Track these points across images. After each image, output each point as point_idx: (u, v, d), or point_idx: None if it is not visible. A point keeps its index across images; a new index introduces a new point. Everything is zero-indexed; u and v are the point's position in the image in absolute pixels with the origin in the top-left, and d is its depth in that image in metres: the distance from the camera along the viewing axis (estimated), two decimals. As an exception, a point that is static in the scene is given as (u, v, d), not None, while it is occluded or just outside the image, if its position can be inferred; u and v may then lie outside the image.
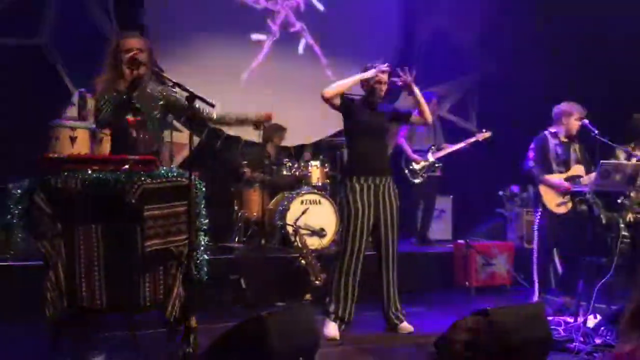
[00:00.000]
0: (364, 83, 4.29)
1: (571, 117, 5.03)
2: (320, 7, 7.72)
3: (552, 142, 5.08)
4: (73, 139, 5.14)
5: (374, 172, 4.21)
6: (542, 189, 5.06)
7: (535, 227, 5.10)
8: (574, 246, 4.94)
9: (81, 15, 6.36)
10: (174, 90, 3.55)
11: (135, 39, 3.58)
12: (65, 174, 3.07)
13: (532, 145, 5.15)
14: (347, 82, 4.21)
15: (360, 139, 4.26)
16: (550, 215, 5.01)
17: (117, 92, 3.51)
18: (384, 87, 4.26)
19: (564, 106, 5.10)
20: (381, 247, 4.26)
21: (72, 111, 5.85)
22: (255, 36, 7.38)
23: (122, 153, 3.34)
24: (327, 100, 4.19)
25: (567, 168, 5.08)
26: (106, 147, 4.49)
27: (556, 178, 5.03)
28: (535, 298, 4.96)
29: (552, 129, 5.13)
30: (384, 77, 4.26)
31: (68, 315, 3.11)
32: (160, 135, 3.68)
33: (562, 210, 4.99)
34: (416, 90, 4.30)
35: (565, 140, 5.12)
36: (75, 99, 5.89)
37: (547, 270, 5.29)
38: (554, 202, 5.00)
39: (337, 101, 4.21)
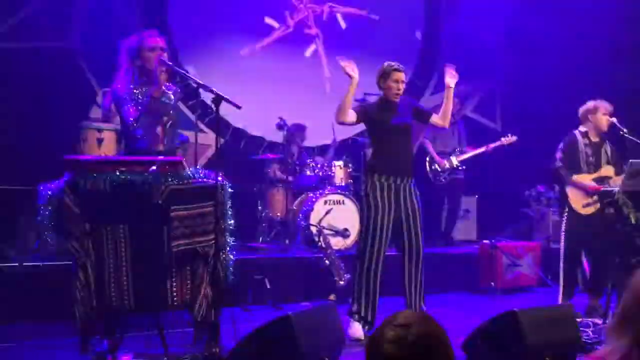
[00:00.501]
0: (380, 84, 4.26)
1: (598, 113, 4.92)
2: (343, 24, 7.72)
3: (581, 142, 4.96)
4: (100, 140, 5.22)
5: (395, 171, 4.19)
6: (569, 190, 4.95)
7: (563, 228, 4.98)
8: (602, 247, 4.85)
9: (107, 17, 6.44)
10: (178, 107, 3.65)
11: (158, 37, 3.63)
12: (94, 175, 3.11)
13: (560, 145, 5.03)
14: (346, 100, 4.14)
15: (383, 138, 4.24)
16: (577, 217, 4.91)
17: (144, 94, 3.56)
18: (402, 86, 4.22)
19: (589, 104, 5.00)
20: (405, 248, 4.23)
21: (97, 112, 5.96)
22: (268, 20, 7.38)
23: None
24: (344, 124, 4.24)
25: (596, 169, 4.97)
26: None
27: (584, 179, 4.94)
28: (560, 300, 4.87)
29: (582, 129, 5.02)
30: (402, 75, 4.23)
31: (97, 314, 3.15)
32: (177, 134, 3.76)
33: (589, 211, 4.88)
34: (452, 92, 4.28)
35: (596, 139, 4.99)
36: (99, 99, 5.99)
37: (575, 273, 5.19)
38: (580, 203, 4.90)
39: (353, 119, 4.20)
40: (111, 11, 6.50)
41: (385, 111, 4.24)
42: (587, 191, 4.87)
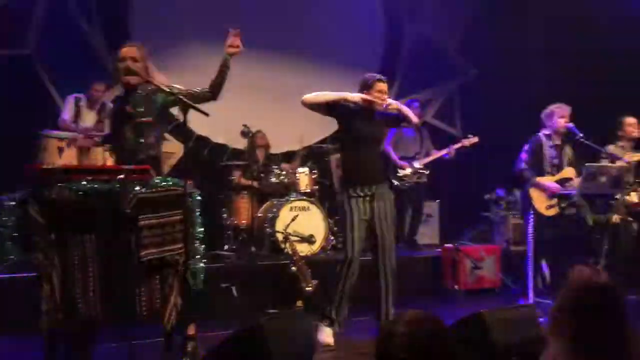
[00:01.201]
0: (363, 93, 4.29)
1: (554, 117, 5.10)
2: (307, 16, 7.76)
3: (546, 144, 5.13)
4: (61, 150, 5.11)
5: (371, 180, 4.25)
6: (533, 192, 5.10)
7: (529, 230, 5.12)
8: (561, 248, 5.02)
9: (66, 24, 6.33)
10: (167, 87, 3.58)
11: (129, 48, 3.60)
12: (59, 184, 3.06)
13: (525, 147, 5.19)
14: (330, 96, 4.20)
15: (358, 147, 4.28)
16: (541, 218, 5.07)
17: (114, 102, 3.53)
18: (385, 97, 4.28)
19: (548, 108, 5.18)
20: (379, 253, 4.29)
21: (63, 120, 5.84)
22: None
23: (122, 160, 3.35)
24: (308, 107, 4.22)
25: (559, 171, 5.14)
26: (94, 158, 4.48)
27: (547, 180, 5.08)
28: (531, 300, 5.01)
29: (545, 131, 5.19)
30: (385, 86, 4.28)
31: (64, 327, 3.09)
32: (160, 139, 3.69)
33: (551, 212, 5.04)
34: (400, 107, 4.34)
35: (558, 142, 5.17)
36: (69, 104, 5.86)
37: (535, 273, 5.35)
38: (543, 205, 5.06)
39: (322, 110, 4.23)
40: (69, 18, 6.40)
41: (365, 121, 4.28)
42: (549, 192, 5.03)
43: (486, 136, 6.84)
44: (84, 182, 3.06)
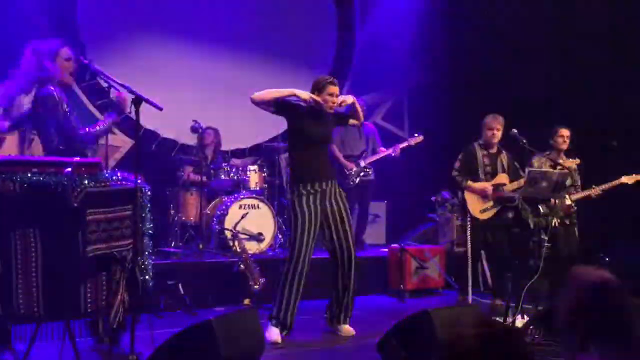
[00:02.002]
0: (315, 94, 4.31)
1: (484, 128, 5.32)
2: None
3: (480, 153, 5.34)
4: (1, 141, 4.92)
5: (320, 177, 4.26)
6: (467, 196, 5.32)
7: (468, 233, 5.29)
8: (500, 249, 5.22)
9: (14, 14, 6.09)
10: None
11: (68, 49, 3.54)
12: (3, 175, 2.95)
13: (460, 156, 5.41)
14: (279, 92, 4.19)
15: (306, 147, 4.28)
16: (476, 221, 5.26)
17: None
18: (336, 100, 4.30)
19: (484, 119, 5.37)
20: (336, 252, 4.31)
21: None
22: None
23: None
24: (257, 104, 4.22)
25: (493, 177, 5.33)
26: (37, 149, 4.34)
27: (479, 185, 5.28)
28: (470, 300, 5.16)
29: (481, 141, 5.40)
30: (336, 89, 4.31)
31: (3, 323, 2.98)
32: None
33: (485, 216, 5.25)
34: (355, 101, 4.41)
35: (493, 150, 5.38)
36: None
37: (475, 273, 5.52)
38: (477, 208, 5.27)
39: (271, 108, 4.23)
40: (18, 8, 6.16)
41: (314, 121, 4.29)
42: (484, 196, 5.21)
43: (434, 138, 6.99)
44: (29, 175, 2.96)
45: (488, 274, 6.02)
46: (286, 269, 4.19)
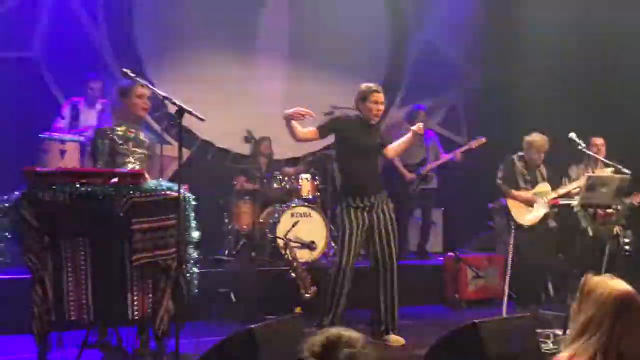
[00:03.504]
0: (359, 105, 4.30)
1: (531, 149, 5.28)
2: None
3: (518, 164, 5.33)
4: (62, 152, 5.15)
5: (367, 191, 4.25)
6: (510, 204, 5.29)
7: (510, 242, 5.20)
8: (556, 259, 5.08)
9: (71, 27, 6.38)
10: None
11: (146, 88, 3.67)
12: (54, 187, 3.07)
13: (500, 166, 5.44)
14: (291, 129, 4.29)
15: (353, 158, 4.28)
16: (522, 228, 5.19)
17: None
18: (381, 107, 4.27)
19: (528, 137, 5.34)
20: (379, 260, 4.28)
21: (61, 123, 5.87)
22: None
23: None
24: (304, 141, 4.42)
25: (533, 186, 5.31)
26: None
27: (523, 193, 5.27)
28: (504, 312, 4.99)
29: (520, 153, 5.38)
30: (381, 96, 4.28)
31: (55, 329, 3.09)
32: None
33: (528, 222, 5.19)
34: (414, 139, 4.46)
35: (532, 163, 5.36)
36: (67, 109, 5.91)
37: (530, 283, 5.32)
38: (522, 215, 5.22)
39: (314, 136, 4.33)
40: (75, 20, 6.45)
41: (362, 132, 4.28)
42: (527, 203, 5.18)
43: (491, 144, 6.79)
44: (78, 185, 3.07)
45: (550, 284, 5.78)
46: (332, 278, 4.19)
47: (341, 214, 4.29)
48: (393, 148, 4.48)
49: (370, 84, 4.34)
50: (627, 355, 1.85)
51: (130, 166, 3.57)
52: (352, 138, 4.25)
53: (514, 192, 5.26)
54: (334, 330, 1.48)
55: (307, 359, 1.42)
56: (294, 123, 4.24)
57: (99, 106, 5.86)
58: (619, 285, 1.97)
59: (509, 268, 5.15)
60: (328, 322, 4.15)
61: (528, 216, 5.19)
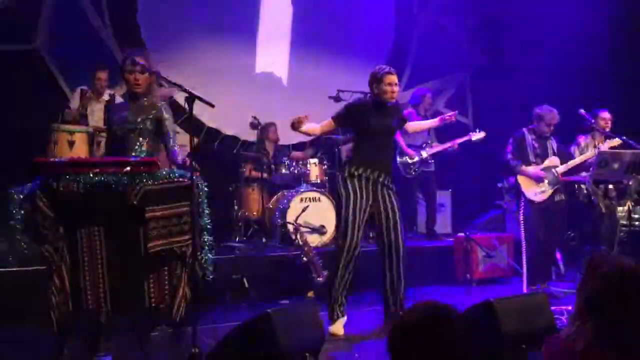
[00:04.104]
0: (374, 88, 4.28)
1: (542, 122, 5.26)
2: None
3: (529, 137, 5.30)
4: (71, 143, 5.15)
5: (372, 165, 4.22)
6: (520, 180, 5.26)
7: (521, 217, 5.22)
8: (565, 234, 5.07)
9: (75, 19, 6.36)
10: (169, 109, 3.69)
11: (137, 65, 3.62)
12: (67, 177, 3.08)
13: (510, 140, 5.40)
14: (305, 133, 4.38)
15: (367, 139, 4.27)
16: (532, 204, 5.18)
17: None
18: (396, 89, 4.26)
19: (538, 109, 5.32)
20: (385, 245, 4.25)
21: (69, 115, 5.87)
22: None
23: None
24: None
25: (543, 160, 5.27)
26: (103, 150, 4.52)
27: (532, 168, 5.23)
28: (524, 289, 5.00)
29: (531, 126, 5.34)
30: (394, 78, 4.26)
31: (74, 318, 3.12)
32: (157, 144, 3.70)
33: (541, 198, 5.17)
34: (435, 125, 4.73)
35: (542, 136, 5.32)
36: (76, 96, 5.89)
37: (541, 259, 5.32)
38: (532, 191, 5.20)
39: (330, 128, 4.35)
40: (79, 12, 6.43)
41: (377, 113, 4.27)
42: (536, 179, 5.17)
43: (498, 124, 6.77)
44: (91, 175, 3.08)
45: (561, 261, 5.79)
46: (337, 260, 4.15)
47: (344, 183, 4.20)
48: (413, 125, 4.71)
49: (383, 66, 4.32)
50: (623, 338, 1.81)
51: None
52: (366, 121, 4.24)
53: (524, 168, 5.25)
54: (435, 303, 1.42)
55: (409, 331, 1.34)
56: (304, 127, 4.24)
57: (106, 96, 5.85)
58: (626, 262, 1.95)
59: (523, 246, 5.15)
60: (337, 305, 4.15)
61: (538, 192, 5.19)
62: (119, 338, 3.48)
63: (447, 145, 6.66)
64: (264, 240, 5.99)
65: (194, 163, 3.22)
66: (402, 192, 5.68)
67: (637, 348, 1.76)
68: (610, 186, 4.40)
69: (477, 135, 6.55)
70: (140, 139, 3.57)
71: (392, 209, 4.24)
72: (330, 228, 5.98)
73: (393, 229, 4.22)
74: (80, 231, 3.12)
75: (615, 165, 4.25)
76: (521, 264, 5.95)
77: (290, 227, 5.72)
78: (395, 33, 8.11)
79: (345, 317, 4.18)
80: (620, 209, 4.80)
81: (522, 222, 5.20)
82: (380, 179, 4.24)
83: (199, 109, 3.44)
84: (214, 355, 3.06)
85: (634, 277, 1.88)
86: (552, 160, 5.26)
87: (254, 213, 6.24)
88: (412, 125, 4.80)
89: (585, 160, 5.12)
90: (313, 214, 5.89)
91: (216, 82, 6.75)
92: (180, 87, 3.28)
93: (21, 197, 3.05)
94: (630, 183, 4.44)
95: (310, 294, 5.16)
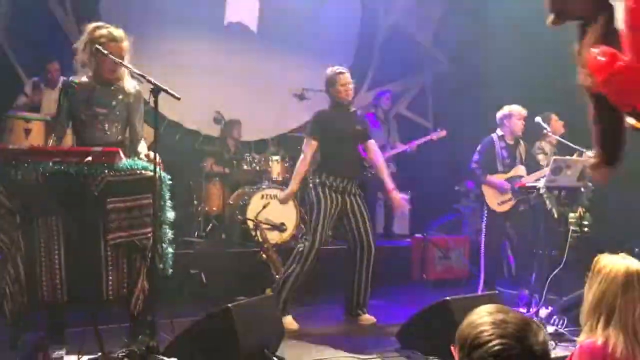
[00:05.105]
0: (330, 91, 4.34)
1: (512, 118, 5.33)
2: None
3: (498, 145, 5.32)
4: (27, 131, 5.04)
5: (342, 173, 4.31)
6: (485, 189, 5.29)
7: (483, 224, 5.29)
8: (524, 240, 5.17)
9: (35, 5, 6.19)
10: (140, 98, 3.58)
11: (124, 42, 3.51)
12: (26, 165, 3.01)
13: (478, 148, 5.39)
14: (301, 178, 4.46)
15: (334, 146, 4.34)
16: (494, 213, 5.25)
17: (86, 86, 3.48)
18: (350, 87, 4.32)
19: (504, 109, 5.37)
20: (356, 247, 4.33)
21: (24, 101, 5.73)
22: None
23: (86, 144, 3.32)
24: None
25: (512, 169, 5.32)
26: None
27: (497, 178, 5.27)
28: (480, 290, 5.13)
29: (499, 132, 5.38)
30: (347, 77, 4.32)
31: (28, 309, 3.05)
32: (124, 132, 3.62)
33: (504, 208, 5.24)
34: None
35: (511, 142, 5.37)
36: (28, 87, 5.76)
37: (497, 264, 5.47)
38: (495, 201, 5.26)
39: (315, 148, 4.38)
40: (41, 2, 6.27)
41: (341, 119, 4.33)
42: (501, 190, 5.20)
43: (458, 128, 6.91)
44: (51, 164, 3.01)
45: (513, 264, 5.95)
46: (300, 252, 4.21)
47: (315, 190, 4.32)
48: (374, 159, 4.58)
49: (335, 67, 4.40)
50: None
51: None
52: (334, 128, 4.32)
53: (489, 178, 5.25)
54: (514, 313, 1.39)
55: (495, 343, 1.32)
56: (296, 178, 4.42)
57: (59, 85, 5.74)
58: (630, 263, 2.04)
59: (482, 251, 5.24)
60: (287, 297, 4.20)
61: (501, 202, 5.23)
62: (75, 330, 3.42)
63: (405, 146, 6.79)
64: (223, 236, 5.96)
65: (157, 155, 3.19)
66: (364, 194, 5.72)
67: None
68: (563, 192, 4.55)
69: (438, 134, 6.70)
70: (107, 125, 3.47)
71: (361, 212, 4.36)
72: (291, 225, 6.00)
73: (364, 231, 4.34)
74: (37, 221, 3.05)
75: (569, 172, 4.40)
76: (477, 266, 6.12)
77: (251, 224, 5.71)
78: (360, 33, 8.18)
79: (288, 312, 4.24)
80: (571, 215, 4.97)
81: (483, 230, 5.25)
82: (348, 187, 4.34)
83: (160, 101, 3.38)
84: (171, 348, 3.04)
85: (637, 276, 2.00)
86: (519, 169, 5.28)
87: (214, 208, 6.21)
88: (371, 153, 4.62)
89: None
90: (274, 211, 5.90)
91: (179, 74, 6.67)
92: (145, 78, 3.24)
93: (-24, 184, 2.96)
94: (583, 190, 4.61)
95: (269, 291, 5.16)
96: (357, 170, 4.49)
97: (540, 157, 5.64)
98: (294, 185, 4.50)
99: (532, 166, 5.37)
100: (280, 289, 4.25)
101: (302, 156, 4.42)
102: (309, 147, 4.38)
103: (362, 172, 6.61)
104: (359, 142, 4.54)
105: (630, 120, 1.60)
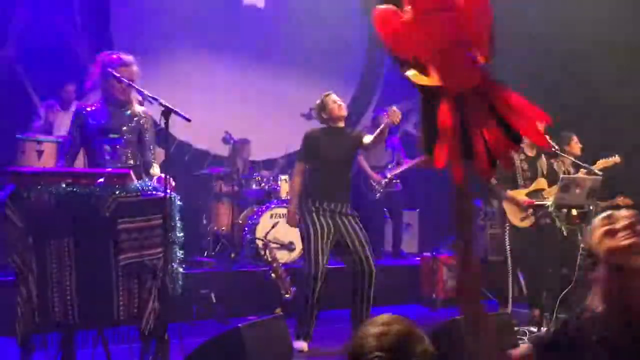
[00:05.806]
0: (323, 115, 4.37)
1: None
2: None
3: (517, 158, 5.17)
4: (40, 153, 5.09)
5: (331, 198, 4.30)
6: (505, 205, 5.17)
7: (507, 243, 5.15)
8: (537, 259, 5.09)
9: (48, 27, 6.31)
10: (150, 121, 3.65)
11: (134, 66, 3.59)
12: (38, 187, 3.04)
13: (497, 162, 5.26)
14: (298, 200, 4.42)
15: (323, 169, 4.34)
16: (517, 231, 5.12)
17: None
18: (341, 103, 4.35)
19: None
20: (357, 267, 4.32)
21: (38, 123, 5.81)
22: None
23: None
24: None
25: (533, 182, 5.19)
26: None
27: (518, 194, 5.13)
28: (509, 310, 5.06)
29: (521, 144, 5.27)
30: (334, 96, 4.36)
31: (39, 330, 3.07)
32: (137, 155, 3.68)
33: (525, 224, 5.11)
34: (387, 129, 4.39)
35: (532, 154, 5.23)
36: (42, 110, 5.85)
37: (513, 283, 5.40)
38: (517, 217, 5.13)
39: (303, 167, 4.40)
40: (51, 20, 6.38)
41: (330, 143, 4.33)
42: (521, 206, 5.08)
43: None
44: (64, 186, 3.05)
45: (524, 282, 5.91)
46: (304, 284, 4.21)
47: (303, 217, 4.32)
48: (373, 140, 4.48)
49: (323, 94, 4.46)
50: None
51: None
52: (321, 151, 4.32)
53: (509, 194, 5.08)
54: (400, 324, 1.46)
55: (373, 355, 1.39)
56: (293, 200, 4.42)
57: (73, 108, 5.82)
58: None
59: (509, 269, 5.10)
60: (307, 328, 4.18)
61: (524, 217, 5.08)
62: (86, 351, 3.44)
63: (412, 163, 6.76)
64: (232, 255, 5.98)
65: (168, 176, 3.22)
66: (368, 212, 5.73)
67: None
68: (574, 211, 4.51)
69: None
70: (119, 151, 3.54)
71: (356, 232, 4.32)
72: (299, 245, 6.00)
73: (362, 251, 4.30)
74: (49, 242, 3.08)
75: (577, 191, 4.40)
76: (485, 285, 6.07)
77: (259, 243, 5.73)
78: (367, 54, 8.24)
79: (309, 340, 4.21)
80: (579, 233, 4.95)
81: (508, 249, 5.10)
82: (340, 210, 4.32)
83: (170, 122, 3.42)
84: (182, 369, 3.05)
85: None
86: (540, 182, 5.13)
87: (223, 228, 6.24)
88: (367, 138, 4.51)
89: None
90: (282, 231, 5.92)
91: (188, 94, 6.75)
92: (157, 100, 3.29)
93: (-9, 205, 3.00)
94: (591, 208, 4.59)
95: (278, 310, 5.16)
96: (347, 194, 4.44)
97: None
98: (291, 206, 4.51)
99: (554, 180, 5.16)
100: (297, 311, 4.24)
101: (293, 178, 4.48)
102: (298, 171, 4.43)
103: (369, 191, 6.67)
104: (348, 165, 4.51)
105: (409, 74, 1.62)
